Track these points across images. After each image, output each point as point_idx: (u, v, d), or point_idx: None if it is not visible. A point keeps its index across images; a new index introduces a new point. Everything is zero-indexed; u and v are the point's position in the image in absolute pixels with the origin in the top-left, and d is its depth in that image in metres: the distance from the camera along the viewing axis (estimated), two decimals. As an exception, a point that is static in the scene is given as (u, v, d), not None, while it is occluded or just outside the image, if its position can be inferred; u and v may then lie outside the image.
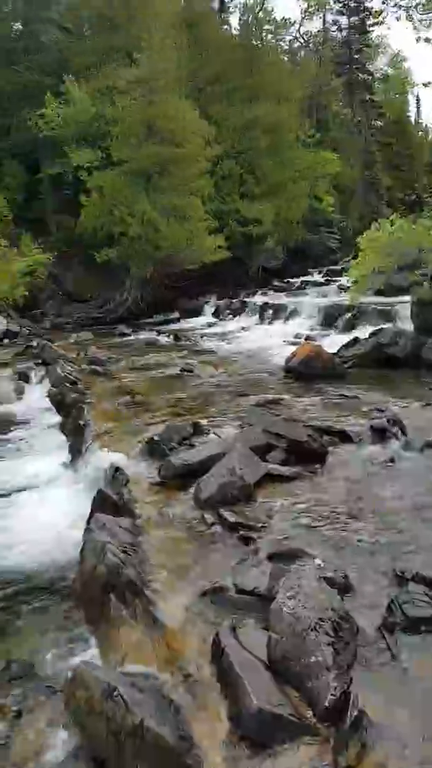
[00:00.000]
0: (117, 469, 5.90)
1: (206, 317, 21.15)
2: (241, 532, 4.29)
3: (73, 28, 24.79)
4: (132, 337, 17.60)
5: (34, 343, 15.08)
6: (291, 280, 26.03)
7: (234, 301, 20.72)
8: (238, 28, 29.03)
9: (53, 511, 5.88)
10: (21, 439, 8.66)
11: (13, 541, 5.33)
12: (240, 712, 2.67)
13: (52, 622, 4.06)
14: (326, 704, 2.62)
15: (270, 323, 16.78)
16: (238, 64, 26.10)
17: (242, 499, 4.78)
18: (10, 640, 3.89)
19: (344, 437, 5.87)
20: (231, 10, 35.00)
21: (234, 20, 36.18)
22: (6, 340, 16.82)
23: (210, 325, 19.44)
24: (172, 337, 16.59)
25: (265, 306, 17.83)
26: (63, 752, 2.89)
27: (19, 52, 23.73)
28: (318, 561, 3.58)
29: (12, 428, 9.21)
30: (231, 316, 19.51)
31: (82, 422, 7.80)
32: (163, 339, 16.51)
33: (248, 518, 4.46)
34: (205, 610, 3.45)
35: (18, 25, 25.07)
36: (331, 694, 2.64)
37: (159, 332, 17.95)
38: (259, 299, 20.03)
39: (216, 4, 33.99)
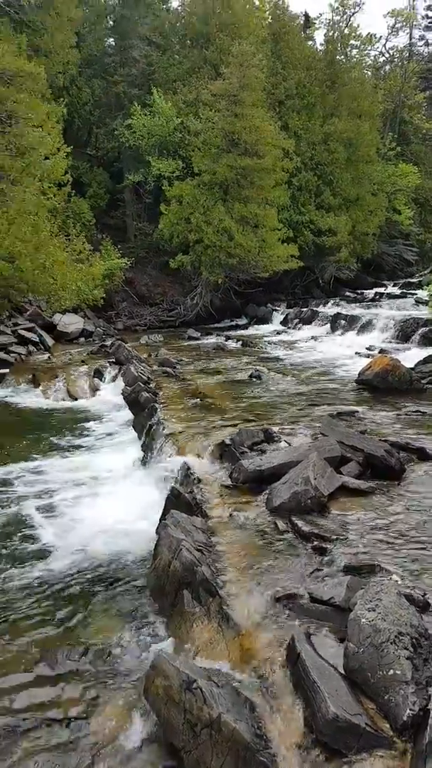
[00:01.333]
0: (188, 468, 5.99)
1: (274, 325, 21.12)
2: (315, 542, 4.27)
3: (163, 43, 25.51)
4: (200, 341, 17.82)
5: (108, 343, 15.58)
6: (364, 291, 25.59)
7: (304, 309, 20.57)
8: (323, 43, 28.89)
9: (126, 506, 6.04)
10: (96, 435, 8.95)
11: (89, 532, 5.52)
12: (315, 717, 2.66)
13: (127, 611, 4.18)
14: (405, 718, 2.58)
15: (342, 334, 16.53)
16: (321, 79, 26.05)
17: (315, 509, 4.75)
18: (88, 626, 4.03)
19: (423, 455, 5.72)
20: (317, 25, 34.92)
21: (319, 36, 36.16)
22: (82, 339, 17.46)
23: (278, 332, 19.39)
24: (240, 342, 16.67)
25: (337, 316, 17.59)
26: (139, 737, 2.98)
27: (112, 65, 24.70)
28: (396, 577, 3.52)
29: (87, 423, 9.54)
30: (300, 324, 19.36)
31: (154, 421, 7.96)
32: (231, 344, 16.62)
33: (322, 529, 4.43)
34: (279, 614, 3.47)
35: (111, 41, 26.07)
36: (410, 709, 2.59)
37: (227, 337, 18.07)
38: (330, 309, 19.78)
39: (301, 20, 34.07)
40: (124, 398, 9.99)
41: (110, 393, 11.11)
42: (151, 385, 10.05)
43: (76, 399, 11.12)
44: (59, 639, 3.86)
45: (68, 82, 22.45)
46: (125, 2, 24.68)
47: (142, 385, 9.84)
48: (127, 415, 9.47)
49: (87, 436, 8.90)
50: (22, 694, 3.38)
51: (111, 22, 25.78)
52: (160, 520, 5.05)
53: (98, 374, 12.01)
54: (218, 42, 23.33)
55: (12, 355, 14.09)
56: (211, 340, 17.96)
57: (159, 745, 2.91)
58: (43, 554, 5.14)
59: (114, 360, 12.93)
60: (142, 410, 8.88)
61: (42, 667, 3.58)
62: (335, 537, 4.32)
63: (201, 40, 24.49)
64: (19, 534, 5.54)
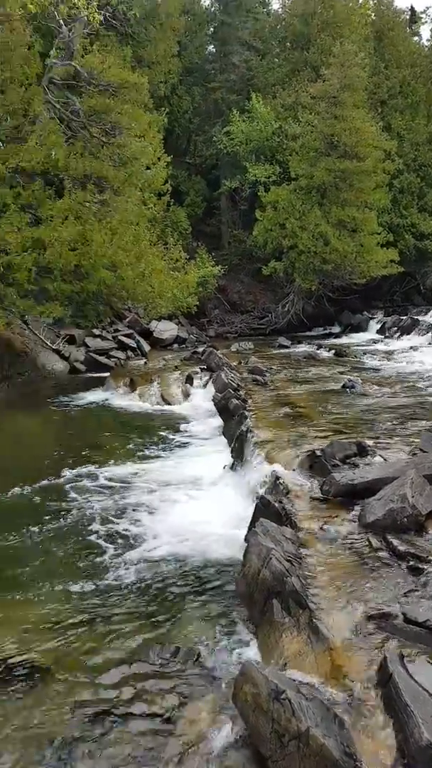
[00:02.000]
0: (278, 478, 6.03)
1: (370, 333, 20.64)
2: (411, 562, 4.17)
3: (263, 47, 25.83)
4: (291, 349, 17.77)
5: (200, 350, 15.97)
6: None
7: (403, 318, 19.92)
8: (430, 39, 28.03)
9: (215, 511, 6.19)
10: (187, 440, 9.23)
11: (179, 534, 5.73)
12: (408, 742, 2.63)
13: (215, 615, 4.31)
14: None
15: (447, 344, 15.88)
16: (426, 77, 25.20)
17: (412, 528, 4.63)
18: (178, 627, 4.20)
19: None
20: (423, 20, 33.84)
21: (425, 31, 34.98)
22: (176, 345, 18.03)
23: (374, 341, 18.92)
24: (333, 351, 16.45)
25: (440, 325, 16.94)
26: (226, 740, 3.07)
27: (212, 72, 25.35)
28: None
29: (179, 428, 9.86)
30: (399, 333, 18.77)
31: (244, 429, 8.08)
32: (324, 353, 16.44)
33: (419, 549, 4.32)
34: (371, 633, 3.43)
35: (212, 48, 26.77)
36: None
37: (319, 346, 17.89)
38: (432, 318, 19.09)
39: (407, 15, 33.14)
40: (214, 404, 10.20)
41: (201, 399, 11.40)
42: (240, 393, 10.18)
43: (169, 404, 11.53)
44: (152, 637, 4.05)
45: (169, 91, 23.29)
46: (226, 8, 25.23)
47: (232, 392, 10.00)
48: (217, 421, 9.67)
49: (178, 440, 9.19)
50: (116, 688, 3.58)
51: (211, 29, 26.45)
52: (249, 528, 5.14)
53: (190, 380, 12.36)
54: (319, 42, 23.25)
55: (112, 359, 14.87)
56: (303, 348, 17.87)
57: (246, 750, 2.98)
58: (135, 554, 5.39)
59: (205, 366, 13.23)
60: (231, 417, 9.04)
61: (136, 663, 3.78)
62: (433, 558, 4.20)
63: (301, 41, 24.52)
64: (113, 534, 5.84)
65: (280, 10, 27.21)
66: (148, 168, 15.81)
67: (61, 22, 15.35)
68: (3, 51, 13.57)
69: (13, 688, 3.63)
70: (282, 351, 17.53)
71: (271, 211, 20.88)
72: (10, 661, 3.87)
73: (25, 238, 12.26)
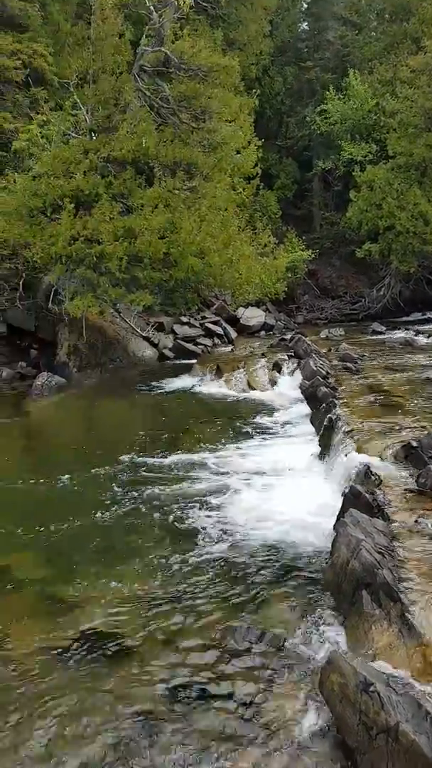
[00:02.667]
0: (369, 468, 5.88)
1: None
2: None
3: (359, 21, 24.92)
4: (385, 336, 17.09)
5: (288, 337, 15.80)
6: None
7: None
8: None
9: (302, 499, 6.13)
10: (273, 427, 9.20)
11: (265, 520, 5.74)
12: None
13: (302, 603, 4.29)
14: None
15: None
16: None
17: None
18: (264, 611, 4.22)
19: None
20: None
21: None
22: (263, 332, 17.99)
23: None
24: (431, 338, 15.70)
25: None
26: (312, 727, 3.06)
27: (305, 51, 24.81)
28: None
29: (266, 415, 9.85)
30: None
31: (333, 417, 7.92)
32: (422, 340, 15.68)
33: None
34: (469, 633, 3.28)
35: (304, 26, 26.18)
36: None
37: (417, 332, 17.08)
38: None
39: None
40: (302, 392, 10.09)
41: (288, 386, 11.30)
42: (330, 380, 10.00)
43: (255, 390, 11.55)
44: (237, 620, 4.09)
45: (261, 73, 23.04)
46: (319, -18, 24.59)
47: (321, 380, 9.83)
48: (304, 409, 9.56)
49: (265, 427, 9.19)
50: (201, 668, 3.67)
51: (305, 6, 25.84)
52: (338, 518, 5.06)
53: (277, 367, 12.29)
54: (421, 12, 22.06)
55: (199, 346, 15.12)
56: (399, 334, 17.14)
57: (332, 739, 2.95)
58: (219, 538, 5.46)
59: (293, 353, 13.10)
60: (319, 405, 8.90)
61: (221, 644, 3.84)
62: None
63: (401, 12, 23.39)
64: (201, 516, 5.95)
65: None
66: (238, 152, 15.75)
67: (152, 8, 15.55)
68: (96, 41, 14.00)
69: (101, 661, 3.81)
70: (376, 337, 16.94)
71: (367, 191, 20.19)
72: (99, 635, 4.07)
73: (116, 228, 12.65)
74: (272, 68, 24.24)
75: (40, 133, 14.17)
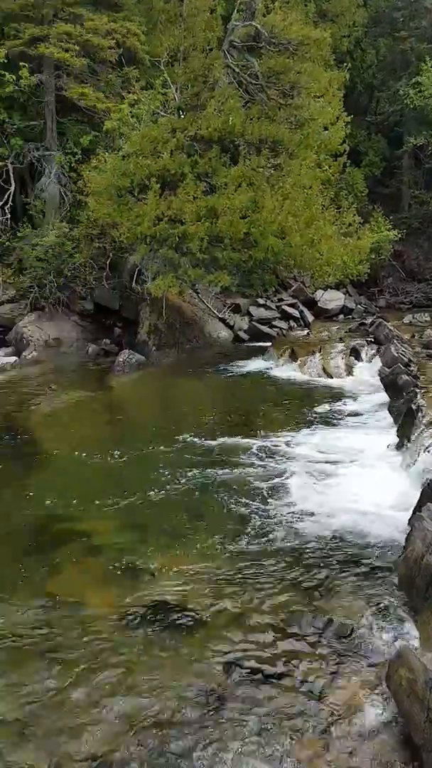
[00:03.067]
0: (452, 463, 5.70)
1: None
2: None
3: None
4: None
5: (368, 321, 15.37)
6: None
7: None
8: None
9: (376, 489, 6.03)
10: (349, 414, 9.05)
11: (337, 509, 5.69)
12: None
13: (372, 594, 4.26)
14: None
15: None
16: None
17: None
18: (333, 600, 4.23)
19: None
20: None
21: None
22: (342, 316, 17.57)
23: None
24: None
25: None
26: (376, 720, 3.06)
27: (401, 20, 23.52)
28: None
29: (341, 402, 9.70)
30: None
31: (413, 407, 7.68)
32: None
33: None
34: None
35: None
36: None
37: None
38: None
39: None
40: (381, 380, 9.82)
41: (366, 373, 11.04)
42: (412, 368, 9.66)
43: (331, 376, 11.34)
44: (304, 606, 4.13)
45: (352, 45, 22.13)
46: None
47: (402, 368, 9.52)
48: (382, 397, 9.32)
49: (338, 414, 9.06)
50: (267, 649, 3.74)
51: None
52: (414, 511, 4.95)
53: (355, 353, 12.01)
54: None
55: (274, 329, 15.00)
56: None
57: (397, 733, 2.95)
58: (289, 523, 5.48)
59: (373, 339, 12.74)
60: (399, 394, 8.65)
61: (288, 628, 3.89)
62: None
63: None
64: (267, 501, 5.98)
65: None
66: (325, 128, 15.27)
67: (244, -19, 15.26)
68: (188, 18, 13.95)
69: (169, 630, 3.95)
70: (466, 325, 16.17)
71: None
72: (169, 605, 4.22)
73: (199, 207, 12.69)
74: (365, 40, 23.18)
75: (131, 112, 14.35)
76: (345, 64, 18.01)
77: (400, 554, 4.56)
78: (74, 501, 6.07)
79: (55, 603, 4.33)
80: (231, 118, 13.38)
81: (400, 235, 20.07)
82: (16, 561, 4.97)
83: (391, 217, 20.94)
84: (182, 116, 14.04)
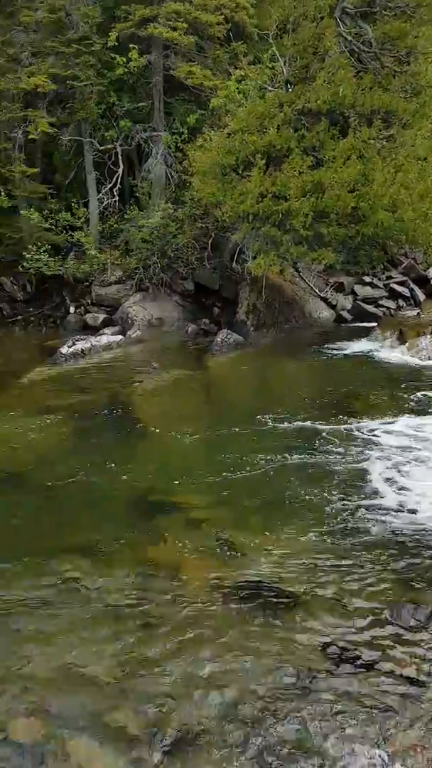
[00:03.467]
0: None
1: None
2: None
3: None
4: None
5: None
6: None
7: None
8: None
9: None
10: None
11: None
12: None
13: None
14: None
15: None
16: None
17: None
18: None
19: None
20: None
21: None
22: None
23: None
24: None
25: None
26: None
27: None
28: None
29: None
30: None
31: None
32: None
33: None
34: None
35: None
36: None
37: None
38: None
39: None
40: None
41: None
42: None
43: (442, 360, 10.71)
44: (405, 596, 3.96)
45: None
46: None
47: None
48: None
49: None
50: (367, 635, 3.64)
51: None
52: None
53: (471, 336, 11.23)
54: None
55: (381, 309, 14.35)
56: None
57: None
58: (390, 511, 5.29)
59: None
60: None
61: (389, 617, 3.76)
62: None
63: None
64: (373, 487, 5.80)
65: None
66: (444, 94, 14.29)
67: None
68: (298, -15, 13.46)
69: (268, 612, 3.92)
70: None
71: None
72: (266, 587, 4.21)
73: (305, 182, 12.35)
74: None
75: (238, 88, 14.19)
76: (469, 26, 16.64)
77: None
78: (172, 475, 6.23)
79: (155, 571, 4.46)
80: (341, 89, 12.86)
81: None
82: (120, 528, 5.18)
83: None
84: (290, 90, 13.68)
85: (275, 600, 4.03)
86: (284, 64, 14.06)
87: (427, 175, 13.24)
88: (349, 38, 14.28)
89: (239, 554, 4.67)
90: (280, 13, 14.00)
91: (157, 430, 7.66)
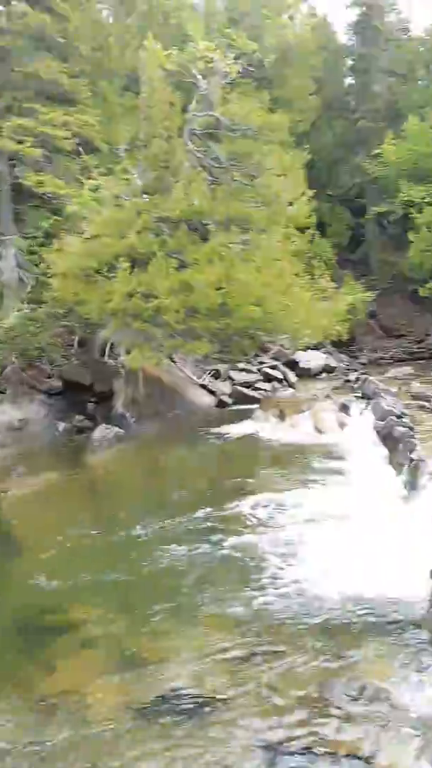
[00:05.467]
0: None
1: None
2: None
3: (407, 71, 25.49)
4: (455, 373, 16.38)
5: (352, 378, 15.38)
6: None
7: None
8: None
9: (388, 545, 5.66)
10: (347, 470, 8.79)
11: (350, 568, 5.34)
12: None
13: (403, 655, 3.92)
14: None
15: None
16: None
17: None
18: (362, 664, 3.89)
19: None
20: None
21: None
22: (324, 375, 17.67)
23: None
24: None
25: None
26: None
27: (353, 103, 25.48)
28: None
29: (336, 458, 9.44)
30: None
31: (415, 457, 7.42)
32: None
33: None
34: None
35: (350, 80, 26.93)
36: None
37: None
38: None
39: None
40: (376, 433, 9.59)
41: (358, 428, 10.79)
42: (405, 420, 9.47)
43: (323, 434, 11.10)
44: (332, 673, 3.69)
45: (309, 127, 23.63)
46: (364, 40, 25.40)
47: (396, 419, 9.34)
48: (378, 450, 9.03)
49: (338, 470, 8.81)
50: (299, 726, 3.34)
51: (350, 62, 26.73)
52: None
53: (344, 409, 11.90)
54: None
55: (258, 391, 14.91)
56: (468, 371, 16.39)
57: None
58: (303, 589, 5.11)
59: (361, 395, 12.66)
60: (396, 445, 8.42)
61: (318, 700, 3.52)
62: None
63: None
64: (277, 567, 5.62)
65: (423, 34, 26.60)
66: (290, 204, 15.92)
67: (199, 76, 16.25)
68: (146, 108, 14.69)
69: (187, 720, 3.54)
70: (445, 375, 16.22)
71: (427, 232, 20.16)
72: (182, 693, 3.82)
73: (172, 283, 12.86)
74: (320, 122, 24.88)
75: (92, 198, 14.76)
76: (304, 144, 19.12)
77: (427, 608, 4.10)
78: (59, 589, 5.63)
79: (54, 706, 3.85)
80: (196, 201, 13.84)
81: (373, 297, 20.69)
82: (6, 662, 4.51)
83: (362, 280, 21.65)
84: (147, 199, 14.48)
85: (196, 706, 3.61)
86: (138, 176, 14.96)
87: (285, 274, 14.37)
88: (199, 155, 15.67)
89: (147, 665, 4.19)
90: (129, 131, 15.11)
91: (39, 540, 6.98)
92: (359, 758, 2.95)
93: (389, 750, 2.98)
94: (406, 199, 21.09)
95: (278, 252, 14.59)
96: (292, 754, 3.08)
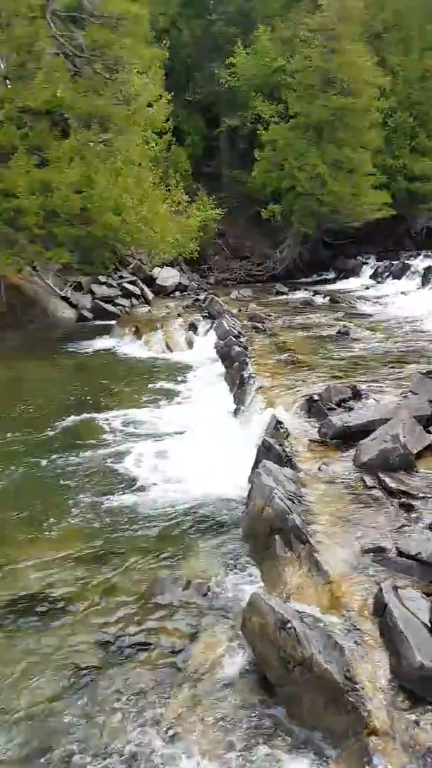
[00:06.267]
0: (279, 422, 6.08)
1: (363, 279, 20.25)
2: (402, 499, 4.28)
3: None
4: (288, 296, 17.53)
5: (201, 297, 15.74)
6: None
7: (395, 263, 19.46)
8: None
9: (218, 453, 6.25)
10: (191, 386, 9.27)
11: (183, 474, 5.82)
12: (402, 665, 2.77)
13: (222, 551, 4.44)
14: None
15: (433, 289, 15.60)
16: (420, 9, 23.44)
17: (402, 467, 4.71)
18: (188, 562, 4.34)
19: None
20: None
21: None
22: (178, 293, 17.76)
23: (367, 287, 18.60)
24: (327, 298, 16.19)
25: (429, 270, 16.59)
26: (237, 668, 3.23)
27: (211, 3, 23.52)
28: None
29: (184, 375, 9.88)
30: (390, 278, 18.43)
31: (245, 375, 8.08)
32: (319, 299, 16.21)
33: (410, 486, 4.42)
34: (367, 566, 3.56)
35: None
36: None
37: (315, 292, 17.62)
38: (422, 262, 18.56)
39: None
40: (216, 352, 10.15)
41: (204, 346, 11.34)
42: (242, 340, 10.12)
43: (173, 351, 11.50)
44: (163, 572, 4.19)
45: (169, 24, 21.71)
46: None
47: (234, 340, 9.94)
48: (219, 368, 9.65)
49: (182, 386, 9.23)
50: (132, 621, 3.73)
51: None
52: (252, 470, 5.23)
53: (193, 328, 12.27)
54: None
55: (118, 307, 14.73)
56: (300, 295, 17.61)
57: (254, 676, 3.14)
58: (142, 495, 5.49)
59: (207, 314, 13.10)
60: (233, 364, 9.02)
61: (149, 597, 3.93)
62: (422, 495, 4.31)
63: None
64: (125, 476, 5.94)
65: None
66: (150, 105, 15.02)
67: None
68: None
69: (33, 621, 3.78)
70: (280, 298, 17.29)
71: (270, 150, 20.00)
72: (30, 595, 4.03)
73: (33, 181, 11.94)
74: (179, 20, 22.87)
75: None
76: (163, 42, 17.62)
77: (244, 510, 4.81)
78: None
79: None
80: (59, 91, 12.64)
81: (221, 214, 20.59)
82: None
83: (213, 196, 21.29)
84: (9, 86, 12.90)
85: (44, 611, 3.88)
86: (1, 60, 13.18)
87: (143, 181, 13.87)
88: (62, 41, 13.95)
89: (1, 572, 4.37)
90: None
91: None
92: (178, 649, 3.41)
93: (205, 641, 3.45)
94: (255, 114, 20.62)
95: (137, 156, 14.04)
96: (122, 649, 3.46)
